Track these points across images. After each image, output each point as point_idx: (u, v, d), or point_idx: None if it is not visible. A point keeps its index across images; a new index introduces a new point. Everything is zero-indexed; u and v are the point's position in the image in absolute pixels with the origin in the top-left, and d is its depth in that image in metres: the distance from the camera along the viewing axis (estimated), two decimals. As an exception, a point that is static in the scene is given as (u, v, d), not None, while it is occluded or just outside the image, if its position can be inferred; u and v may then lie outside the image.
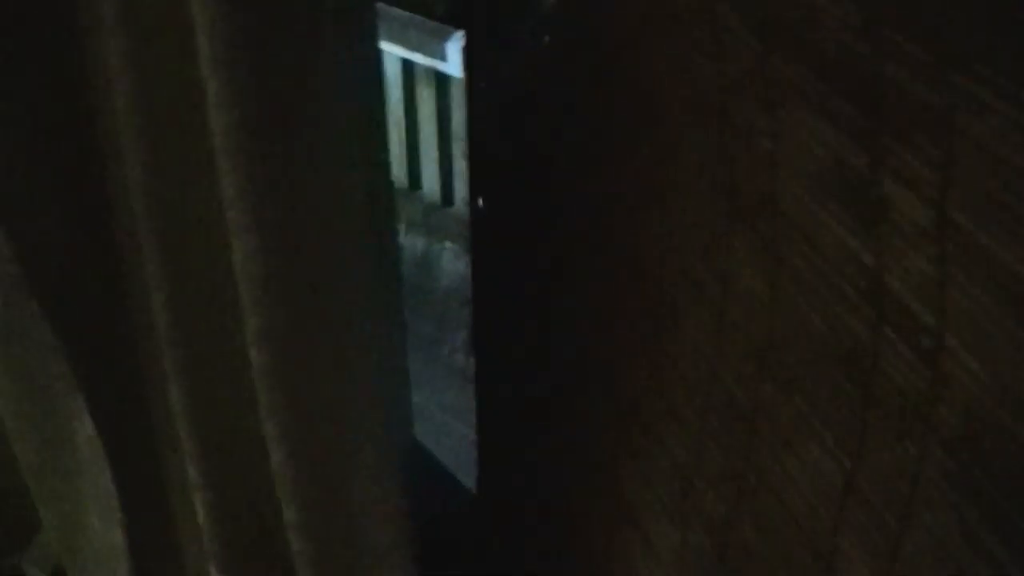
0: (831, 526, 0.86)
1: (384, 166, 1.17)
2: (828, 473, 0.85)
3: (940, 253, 0.68)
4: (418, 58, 3.61)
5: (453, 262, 3.60)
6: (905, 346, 0.73)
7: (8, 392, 1.45)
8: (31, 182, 1.25)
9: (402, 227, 3.64)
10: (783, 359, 0.88)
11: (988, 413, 0.68)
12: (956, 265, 0.67)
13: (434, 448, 1.77)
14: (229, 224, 1.12)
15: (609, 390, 1.20)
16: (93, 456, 1.42)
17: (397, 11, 3.44)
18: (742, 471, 0.97)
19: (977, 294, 0.67)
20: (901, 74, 0.68)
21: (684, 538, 1.11)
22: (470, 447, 1.63)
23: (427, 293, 3.54)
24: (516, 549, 1.55)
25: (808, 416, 0.86)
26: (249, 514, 1.38)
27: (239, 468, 1.34)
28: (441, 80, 3.70)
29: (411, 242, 3.71)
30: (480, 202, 1.36)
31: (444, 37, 3.46)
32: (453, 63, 3.45)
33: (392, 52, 3.58)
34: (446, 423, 2.68)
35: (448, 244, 3.70)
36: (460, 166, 3.75)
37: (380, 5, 1.15)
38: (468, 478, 1.66)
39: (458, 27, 3.12)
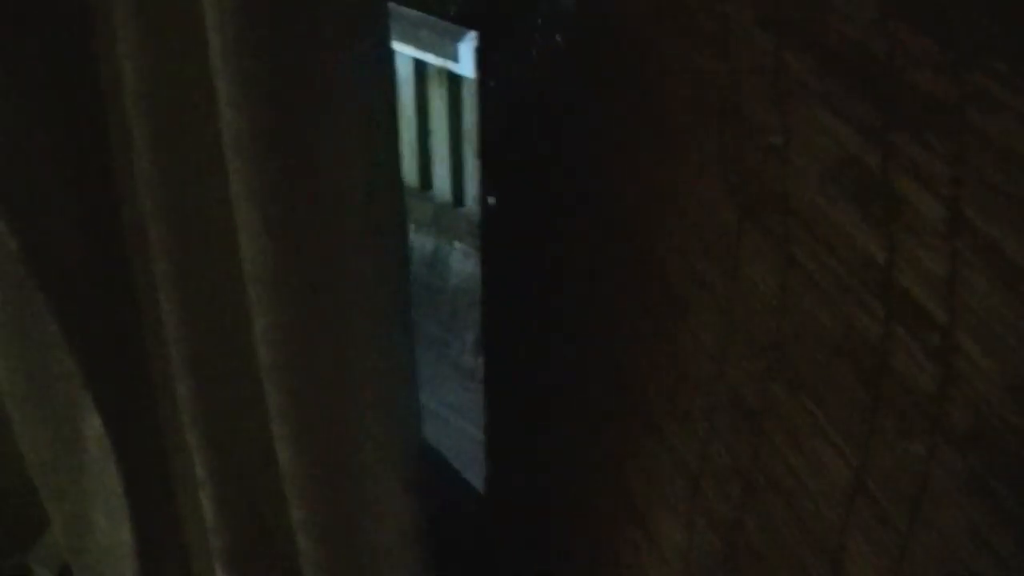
0: (839, 525, 0.86)
1: (395, 165, 1.17)
2: (836, 472, 0.84)
3: (952, 250, 0.68)
4: (430, 58, 3.62)
5: (463, 262, 3.60)
6: (916, 344, 0.73)
7: (16, 390, 1.45)
8: (39, 179, 1.25)
9: (412, 227, 3.65)
10: (792, 358, 0.87)
11: (998, 412, 0.67)
12: (968, 262, 0.67)
13: (442, 448, 1.76)
14: (238, 222, 1.12)
15: (617, 390, 1.20)
16: (100, 454, 1.42)
17: (409, 11, 3.44)
18: (749, 470, 0.97)
19: (989, 292, 0.66)
20: (913, 70, 0.68)
21: (691, 538, 1.11)
22: (478, 447, 1.63)
23: (436, 293, 3.54)
24: (524, 549, 1.55)
25: (816, 415, 0.85)
26: (256, 513, 1.38)
27: (246, 467, 1.34)
28: (453, 80, 3.71)
29: (421, 242, 3.71)
30: (491, 201, 1.36)
31: (456, 37, 3.47)
32: (465, 64, 3.45)
33: (404, 52, 3.59)
34: (454, 423, 2.69)
35: (458, 244, 3.70)
36: (471, 167, 3.76)
37: (392, 5, 1.14)
38: (476, 478, 1.66)
39: (470, 27, 3.12)
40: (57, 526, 1.60)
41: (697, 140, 0.94)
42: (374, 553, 1.34)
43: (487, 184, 1.38)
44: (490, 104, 1.32)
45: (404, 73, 3.69)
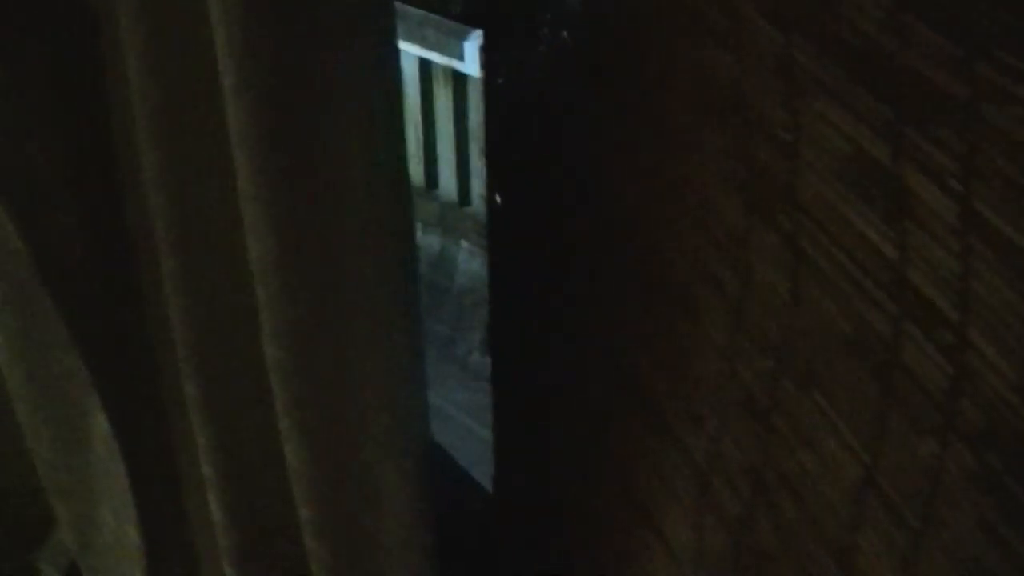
0: (850, 523, 0.85)
1: (401, 164, 1.17)
2: (847, 470, 0.84)
3: (964, 247, 0.68)
4: (435, 57, 3.62)
5: (469, 261, 3.60)
6: (928, 341, 0.72)
7: (22, 389, 1.45)
8: (44, 179, 1.25)
9: (418, 226, 3.65)
10: (802, 355, 0.87)
11: (1012, 409, 0.67)
12: (980, 259, 0.67)
13: (448, 446, 1.76)
14: (244, 221, 1.11)
15: (626, 388, 1.19)
16: (107, 453, 1.42)
17: (414, 10, 3.44)
18: (760, 468, 0.97)
19: (1002, 288, 0.66)
20: (923, 64, 0.68)
21: (701, 537, 1.10)
22: (484, 446, 1.63)
23: (443, 292, 3.54)
24: (532, 549, 1.54)
25: (827, 412, 0.85)
26: (263, 512, 1.38)
27: (254, 466, 1.34)
28: (458, 79, 3.70)
29: (427, 241, 3.71)
30: (498, 200, 1.35)
31: (461, 36, 3.47)
32: (470, 62, 3.45)
33: (409, 51, 3.58)
34: (461, 422, 2.69)
35: (464, 243, 3.70)
36: (477, 165, 3.76)
37: (397, 4, 1.14)
38: (484, 477, 1.66)
39: (475, 26, 3.12)
40: (64, 525, 1.60)
41: (705, 137, 0.94)
42: (381, 552, 1.34)
43: (493, 183, 1.38)
44: (496, 103, 1.32)
45: (409, 72, 3.69)
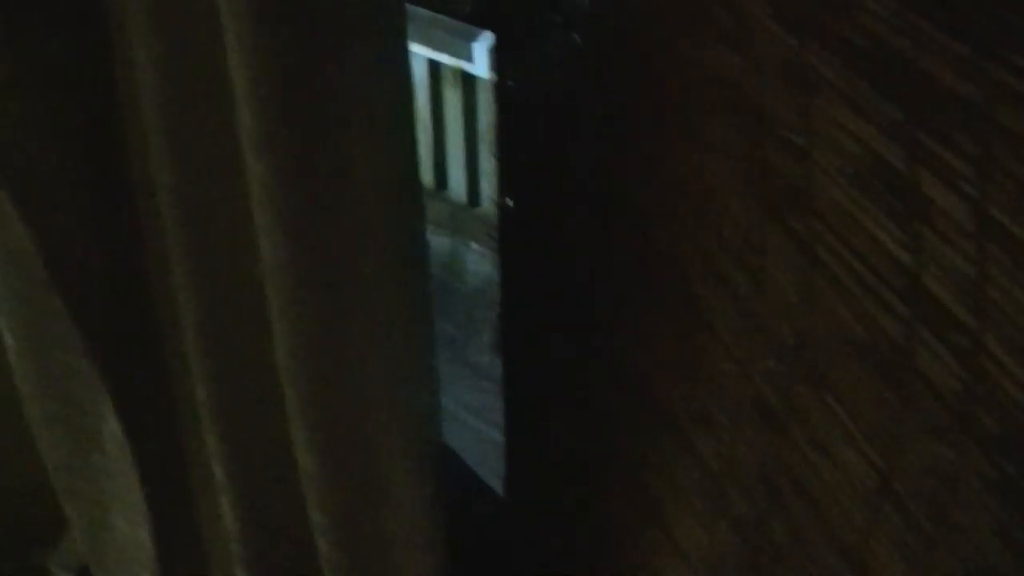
0: (864, 528, 0.85)
1: (413, 165, 1.17)
2: (862, 475, 0.84)
3: (980, 252, 0.67)
4: (444, 58, 3.61)
5: (479, 263, 3.59)
6: (943, 347, 0.72)
7: (34, 393, 1.45)
8: (58, 181, 1.25)
9: (428, 228, 3.64)
10: (816, 359, 0.86)
11: (1028, 415, 0.67)
12: (996, 264, 0.66)
13: (459, 449, 1.76)
14: (256, 225, 1.11)
15: (638, 391, 1.19)
16: (119, 456, 1.42)
17: (423, 11, 3.43)
18: (773, 473, 0.96)
19: (1018, 294, 0.65)
20: (938, 67, 0.67)
21: (714, 541, 1.10)
22: (494, 448, 1.62)
23: (452, 294, 3.54)
24: (544, 552, 1.54)
25: (841, 417, 0.85)
26: (276, 517, 1.38)
27: (266, 470, 1.34)
28: (467, 80, 3.70)
29: (437, 243, 3.70)
30: (508, 201, 1.35)
31: (470, 37, 3.46)
32: (479, 63, 3.44)
33: (418, 52, 3.58)
34: (470, 423, 2.68)
35: (474, 245, 3.69)
36: (486, 166, 3.75)
37: (406, 5, 1.14)
38: (495, 481, 1.66)
39: (484, 27, 3.12)
40: (76, 528, 1.60)
41: (719, 140, 0.94)
42: (393, 555, 1.34)
43: (505, 186, 1.38)
44: (507, 106, 1.31)
45: (418, 73, 3.68)
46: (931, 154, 0.69)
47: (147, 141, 1.16)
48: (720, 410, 1.04)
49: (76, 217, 1.28)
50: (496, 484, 1.65)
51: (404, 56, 1.12)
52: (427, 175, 3.84)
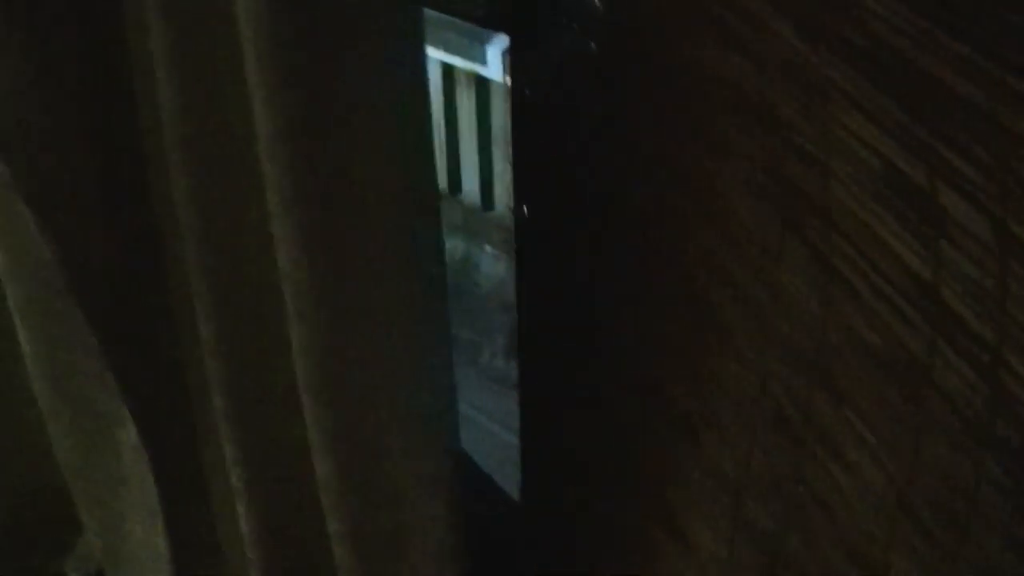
0: (882, 540, 0.85)
1: (430, 172, 1.17)
2: (880, 488, 0.83)
3: (999, 266, 0.67)
4: (458, 62, 3.61)
5: (493, 266, 3.59)
6: (962, 361, 0.72)
7: (51, 399, 1.46)
8: (76, 188, 1.26)
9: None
10: (834, 371, 0.86)
11: (1048, 429, 0.67)
12: (1016, 278, 0.66)
13: (474, 453, 1.76)
14: (274, 232, 1.12)
15: (655, 399, 1.19)
16: (136, 463, 1.42)
17: (436, 14, 3.44)
18: (791, 484, 0.96)
19: (1037, 308, 0.65)
20: (955, 79, 0.67)
21: (731, 551, 1.10)
22: (510, 452, 1.62)
23: (467, 297, 3.54)
24: (560, 558, 1.54)
25: (859, 429, 0.85)
26: (292, 523, 1.38)
27: (282, 477, 1.34)
28: (481, 84, 3.70)
29: (451, 246, 3.71)
30: (524, 208, 1.35)
31: (484, 41, 3.46)
32: (493, 67, 3.44)
33: (432, 56, 3.58)
34: (486, 427, 2.68)
35: (488, 248, 3.69)
36: (500, 170, 3.75)
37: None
38: (509, 484, 1.65)
39: (498, 30, 3.12)
40: (92, 534, 1.61)
41: (736, 149, 0.94)
42: (409, 562, 1.34)
43: (520, 191, 1.38)
44: (521, 109, 1.31)
45: (432, 77, 3.68)
46: (949, 167, 0.69)
47: (165, 149, 1.16)
48: (736, 418, 1.03)
49: (93, 225, 1.29)
50: (512, 489, 1.65)
51: (421, 60, 1.12)
52: (440, 179, 3.84)
